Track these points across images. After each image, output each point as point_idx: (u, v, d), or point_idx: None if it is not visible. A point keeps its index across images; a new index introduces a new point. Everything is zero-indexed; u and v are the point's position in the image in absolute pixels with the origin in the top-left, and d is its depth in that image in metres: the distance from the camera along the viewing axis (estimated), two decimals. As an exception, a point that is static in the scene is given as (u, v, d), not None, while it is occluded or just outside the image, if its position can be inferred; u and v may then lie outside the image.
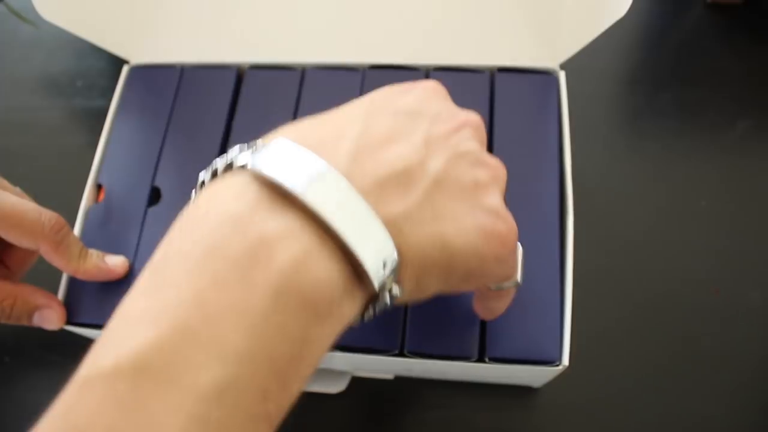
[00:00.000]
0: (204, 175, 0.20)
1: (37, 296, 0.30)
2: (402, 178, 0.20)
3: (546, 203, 0.31)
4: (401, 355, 0.29)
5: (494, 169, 0.23)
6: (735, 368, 0.35)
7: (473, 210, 0.21)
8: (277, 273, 0.17)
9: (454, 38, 0.37)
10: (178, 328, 0.16)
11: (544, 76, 0.35)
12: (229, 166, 0.20)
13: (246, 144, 0.20)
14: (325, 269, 0.18)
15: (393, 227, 0.19)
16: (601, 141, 0.43)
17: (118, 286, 0.31)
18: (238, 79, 0.37)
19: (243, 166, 0.19)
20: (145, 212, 0.33)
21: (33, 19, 0.41)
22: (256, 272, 0.17)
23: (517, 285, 0.25)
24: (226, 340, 0.16)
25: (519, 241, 0.25)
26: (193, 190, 0.21)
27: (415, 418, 0.35)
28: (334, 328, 0.19)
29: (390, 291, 0.20)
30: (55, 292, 0.31)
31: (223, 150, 0.35)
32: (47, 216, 0.29)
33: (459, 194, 0.21)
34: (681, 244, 0.39)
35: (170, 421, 0.15)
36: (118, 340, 0.17)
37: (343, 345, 0.29)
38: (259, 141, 0.21)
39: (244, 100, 0.36)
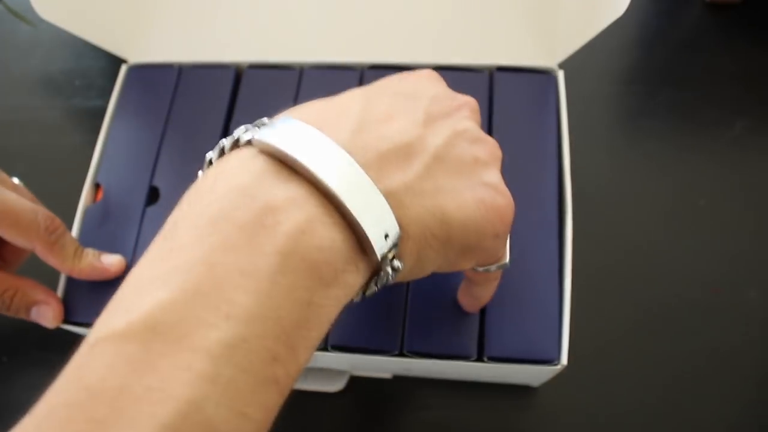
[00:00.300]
0: (211, 155, 0.21)
1: (38, 291, 0.31)
2: (402, 153, 0.21)
3: (545, 202, 0.31)
4: (400, 354, 0.29)
5: (492, 147, 0.24)
6: (734, 368, 0.35)
7: (473, 185, 0.22)
8: (283, 237, 0.18)
9: (453, 37, 0.37)
10: (188, 289, 0.17)
11: (543, 75, 0.35)
12: (235, 144, 0.20)
13: (251, 124, 0.21)
14: (329, 236, 0.18)
15: (394, 199, 0.20)
16: (599, 140, 0.43)
17: (115, 287, 0.31)
18: (237, 78, 0.37)
19: (249, 142, 0.20)
20: (144, 212, 0.33)
21: (31, 19, 0.41)
22: (262, 236, 0.18)
23: (505, 266, 0.25)
24: (235, 300, 0.17)
25: (518, 239, 0.25)
26: (200, 171, 0.21)
27: (414, 417, 0.35)
28: (338, 296, 0.19)
29: (392, 264, 0.20)
30: (55, 289, 0.31)
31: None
32: (42, 216, 0.29)
33: (459, 170, 0.22)
34: (680, 244, 0.39)
35: (180, 379, 0.15)
36: (129, 303, 0.17)
37: (343, 345, 0.29)
38: (264, 119, 0.21)
39: (242, 99, 0.36)
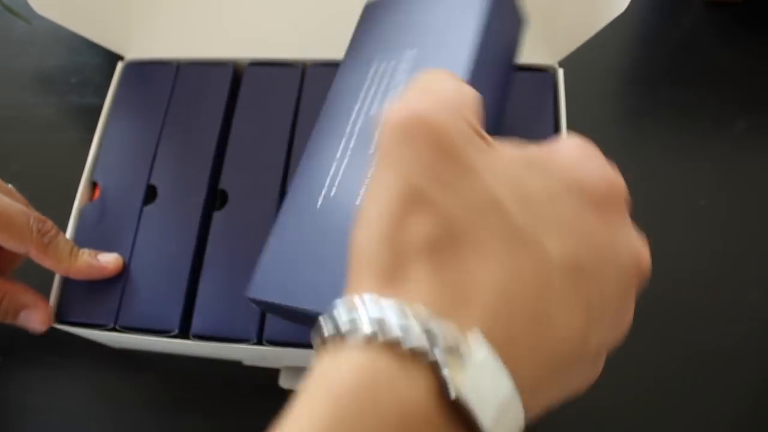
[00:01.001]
0: (329, 330, 0.15)
1: (27, 295, 0.30)
2: (571, 367, 0.17)
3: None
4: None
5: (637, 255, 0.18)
6: (734, 368, 0.35)
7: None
8: None
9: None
10: None
11: (543, 73, 0.35)
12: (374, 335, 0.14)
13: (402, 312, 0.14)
14: None
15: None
16: (599, 139, 0.42)
17: (112, 287, 0.31)
18: (235, 75, 0.37)
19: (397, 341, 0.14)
20: (141, 210, 0.33)
21: (26, 15, 0.41)
22: None
23: None
24: None
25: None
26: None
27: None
28: None
29: None
30: (49, 289, 0.31)
31: (220, 149, 0.35)
32: (34, 219, 0.29)
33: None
34: (679, 244, 0.38)
35: None
36: None
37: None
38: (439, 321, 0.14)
39: (243, 97, 0.36)
